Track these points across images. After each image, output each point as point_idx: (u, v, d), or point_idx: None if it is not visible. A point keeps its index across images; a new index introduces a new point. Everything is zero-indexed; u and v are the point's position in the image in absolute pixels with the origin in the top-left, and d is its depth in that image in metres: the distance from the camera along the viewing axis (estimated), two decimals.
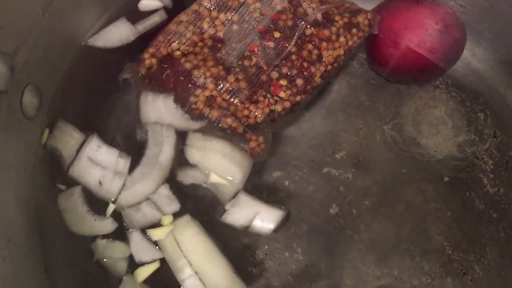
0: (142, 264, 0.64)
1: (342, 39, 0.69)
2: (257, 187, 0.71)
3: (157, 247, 0.64)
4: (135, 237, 0.64)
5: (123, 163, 0.66)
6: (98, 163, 0.66)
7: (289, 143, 0.75)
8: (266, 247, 0.69)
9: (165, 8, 0.76)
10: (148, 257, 0.63)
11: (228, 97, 0.65)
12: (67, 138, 0.67)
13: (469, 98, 0.78)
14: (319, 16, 0.68)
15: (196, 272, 0.61)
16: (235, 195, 0.67)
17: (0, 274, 0.49)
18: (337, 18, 0.69)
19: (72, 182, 0.66)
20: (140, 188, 0.65)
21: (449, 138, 0.76)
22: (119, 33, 0.72)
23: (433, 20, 0.71)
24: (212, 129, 0.65)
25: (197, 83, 0.65)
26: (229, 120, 0.64)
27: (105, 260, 0.64)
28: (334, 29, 0.68)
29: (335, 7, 0.69)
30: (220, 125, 0.64)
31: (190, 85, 0.65)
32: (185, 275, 0.62)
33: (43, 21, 0.61)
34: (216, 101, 0.65)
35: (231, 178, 0.66)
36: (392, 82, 0.78)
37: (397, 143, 0.75)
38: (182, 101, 0.65)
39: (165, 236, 0.63)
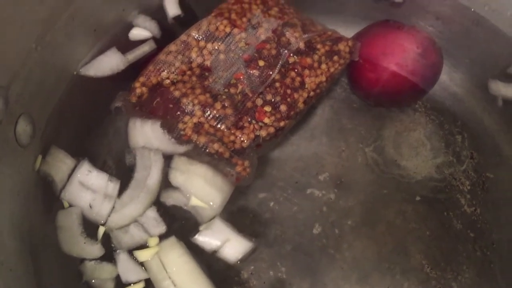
0: (129, 284, 0.66)
1: (324, 66, 0.72)
2: (243, 208, 0.74)
3: (143, 268, 0.66)
4: (122, 258, 0.66)
5: (113, 186, 0.68)
6: (88, 187, 0.68)
7: (274, 165, 0.77)
8: (252, 267, 0.71)
9: (154, 38, 0.79)
10: (134, 277, 0.65)
11: (215, 123, 0.67)
12: (59, 163, 0.69)
13: (447, 121, 0.81)
14: (301, 45, 0.71)
15: None
16: (211, 219, 0.70)
17: None
18: (319, 46, 0.72)
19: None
20: (128, 211, 0.67)
21: (428, 160, 0.78)
22: (109, 62, 0.74)
23: (412, 44, 0.74)
24: (199, 154, 0.67)
25: (186, 110, 0.67)
26: (215, 146, 0.66)
27: (93, 281, 0.66)
28: (316, 57, 0.71)
29: (318, 35, 0.72)
30: (207, 150, 0.66)
31: (179, 112, 0.67)
32: None
33: (36, 54, 0.64)
34: (203, 128, 0.67)
35: (211, 203, 0.68)
36: (373, 105, 0.81)
37: (378, 165, 0.78)
38: (171, 128, 0.68)
39: (151, 258, 0.65)
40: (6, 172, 0.60)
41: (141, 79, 0.70)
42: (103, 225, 0.67)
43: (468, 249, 0.73)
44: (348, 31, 0.78)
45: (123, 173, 0.71)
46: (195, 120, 0.67)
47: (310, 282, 0.71)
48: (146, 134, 0.69)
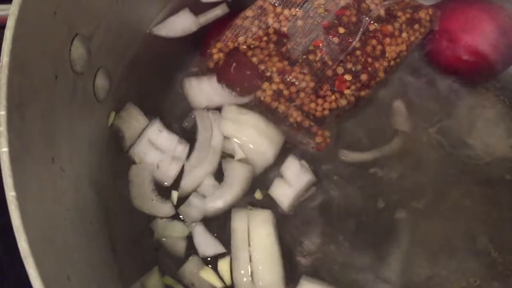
0: (206, 257, 0.64)
1: (404, 34, 0.69)
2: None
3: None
4: (198, 231, 0.64)
5: (182, 149, 0.67)
6: (157, 146, 0.67)
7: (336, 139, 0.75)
8: (314, 239, 0.69)
9: (226, 1, 0.77)
10: (211, 251, 0.64)
11: (295, 90, 0.65)
12: (132, 120, 0.68)
13: None
14: (382, 12, 0.68)
15: (251, 272, 0.61)
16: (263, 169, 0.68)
17: (77, 247, 0.50)
18: (399, 13, 0.69)
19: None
20: (199, 172, 0.66)
21: (500, 140, 0.75)
22: (182, 23, 0.72)
23: (490, 22, 0.71)
24: (277, 122, 0.66)
25: (264, 77, 0.66)
26: (295, 114, 0.65)
27: (164, 239, 0.65)
28: (397, 24, 0.68)
29: (396, 3, 0.70)
30: (287, 119, 0.65)
31: (256, 79, 0.66)
32: (240, 267, 0.62)
33: (115, 7, 0.63)
34: (283, 95, 0.66)
35: (263, 153, 0.67)
36: (444, 82, 0.78)
37: (445, 144, 0.75)
38: (248, 95, 0.66)
39: (240, 221, 0.63)
40: (85, 125, 0.59)
41: (218, 44, 0.69)
42: (168, 186, 0.66)
43: None
44: (424, 2, 0.74)
45: (186, 136, 0.69)
46: (274, 87, 0.66)
47: (374, 259, 0.68)
48: (206, 92, 0.68)
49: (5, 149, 0.39)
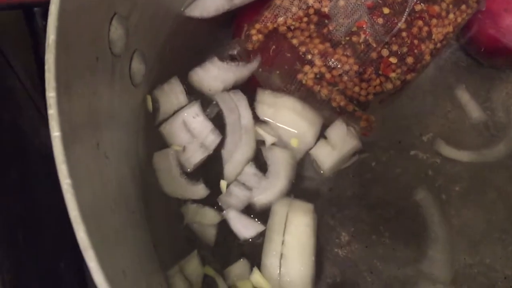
0: (247, 239, 0.62)
1: (451, 15, 0.66)
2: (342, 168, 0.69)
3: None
4: (233, 215, 0.62)
5: (213, 139, 0.64)
6: (190, 129, 0.64)
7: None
8: (353, 229, 0.66)
9: None
10: (252, 232, 0.61)
11: (338, 74, 0.62)
12: (173, 96, 0.65)
13: None
14: None
15: (282, 255, 0.59)
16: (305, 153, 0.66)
17: (125, 239, 0.48)
18: None
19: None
20: (239, 156, 0.63)
21: None
22: (214, 2, 0.69)
23: None
24: (320, 108, 0.63)
25: (305, 60, 0.63)
26: (338, 98, 0.62)
27: (195, 225, 0.63)
28: (444, 5, 0.65)
29: None
30: (330, 103, 0.62)
31: (297, 62, 0.63)
32: (271, 250, 0.60)
33: None
34: (325, 78, 0.63)
35: (302, 136, 0.65)
36: (484, 65, 0.75)
37: (487, 128, 0.73)
38: (290, 78, 0.63)
39: (281, 207, 0.61)
40: (123, 110, 0.56)
41: (257, 25, 0.65)
42: (188, 172, 0.64)
43: None
44: None
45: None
46: (315, 70, 0.63)
47: (415, 249, 0.66)
48: (216, 75, 0.66)
49: (57, 134, 0.36)
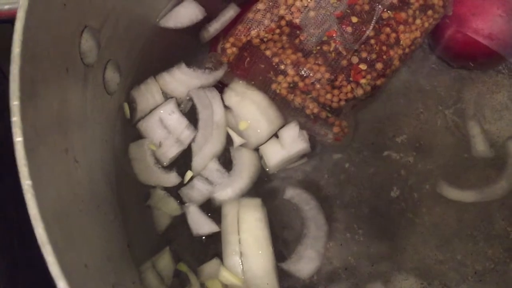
0: (199, 237, 0.64)
1: (418, 21, 0.67)
2: (317, 168, 0.70)
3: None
4: (192, 210, 0.64)
5: (188, 134, 0.66)
6: (166, 126, 0.67)
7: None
8: (327, 228, 0.69)
9: None
10: (206, 229, 0.63)
11: (310, 82, 0.64)
12: (149, 95, 0.68)
13: None
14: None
15: (241, 253, 0.61)
16: (254, 147, 0.68)
17: (93, 236, 0.51)
18: (412, 0, 0.67)
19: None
20: (208, 150, 0.66)
21: (509, 124, 0.74)
22: (188, 13, 0.71)
23: (500, 7, 0.69)
24: (294, 115, 0.65)
25: (278, 70, 0.65)
26: (311, 106, 0.64)
27: (154, 209, 0.65)
28: (410, 11, 0.66)
29: None
30: (304, 111, 0.64)
31: (271, 72, 0.65)
32: (230, 250, 0.61)
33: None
34: (298, 87, 0.64)
35: (258, 130, 0.66)
36: (454, 67, 0.76)
37: (459, 128, 0.74)
38: (264, 88, 0.65)
39: (231, 207, 0.63)
40: (97, 119, 0.58)
41: (231, 39, 0.67)
42: (165, 166, 0.67)
43: None
44: None
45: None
46: (289, 79, 0.64)
47: (388, 246, 0.67)
48: (181, 80, 0.68)
49: (20, 139, 0.38)
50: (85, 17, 0.53)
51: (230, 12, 0.73)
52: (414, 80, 0.77)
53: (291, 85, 0.65)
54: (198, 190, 0.65)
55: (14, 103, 0.39)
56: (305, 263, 0.64)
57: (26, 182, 0.37)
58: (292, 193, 0.67)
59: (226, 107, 0.68)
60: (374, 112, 0.74)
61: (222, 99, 0.68)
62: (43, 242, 0.36)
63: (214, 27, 0.72)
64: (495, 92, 0.76)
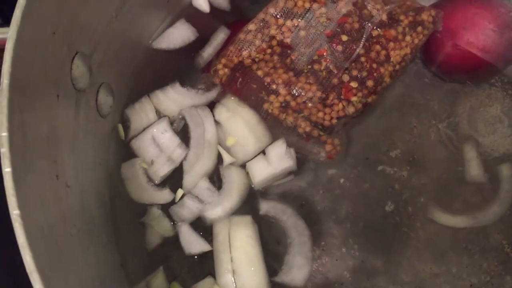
0: (192, 256, 0.64)
1: (408, 38, 0.68)
2: (313, 184, 0.71)
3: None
4: (184, 230, 0.64)
5: (179, 153, 0.67)
6: (158, 144, 0.67)
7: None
8: (323, 243, 0.68)
9: (224, 11, 0.77)
10: (197, 249, 0.64)
11: (302, 101, 0.65)
12: (143, 113, 0.69)
13: None
14: (384, 17, 0.66)
15: (233, 270, 0.61)
16: (240, 164, 0.68)
17: (85, 261, 0.51)
18: (401, 17, 0.67)
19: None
20: (199, 169, 0.66)
21: (506, 137, 0.73)
22: (180, 34, 0.72)
23: (490, 20, 0.69)
24: (287, 134, 0.66)
25: (270, 90, 0.65)
26: (303, 124, 0.64)
27: (148, 227, 0.66)
28: (400, 28, 0.67)
29: (398, 6, 0.68)
30: (296, 130, 0.65)
31: (263, 92, 0.66)
32: (223, 269, 0.62)
33: (115, 24, 0.62)
34: (290, 106, 0.65)
35: (245, 148, 0.67)
36: (447, 80, 0.76)
37: (452, 141, 0.74)
38: (256, 108, 0.66)
39: (222, 226, 0.63)
40: (89, 140, 0.59)
41: (223, 60, 0.68)
42: (157, 184, 0.67)
43: None
44: (423, 3, 0.73)
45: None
46: (281, 99, 0.65)
47: (384, 261, 0.67)
48: (174, 99, 0.69)
49: (8, 170, 0.39)
50: (75, 43, 0.54)
51: (221, 35, 0.74)
52: (407, 94, 0.77)
53: (283, 104, 0.65)
54: (188, 208, 0.65)
55: (3, 134, 0.40)
56: (296, 271, 0.64)
57: (14, 212, 0.38)
58: (267, 207, 0.67)
59: (216, 122, 0.68)
60: (368, 127, 0.75)
61: (213, 113, 0.69)
62: (31, 270, 0.37)
63: (208, 52, 0.73)
64: (488, 106, 0.76)
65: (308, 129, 0.65)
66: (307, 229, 0.66)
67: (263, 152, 0.67)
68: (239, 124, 0.67)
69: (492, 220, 0.69)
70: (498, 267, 0.67)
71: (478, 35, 0.70)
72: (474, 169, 0.71)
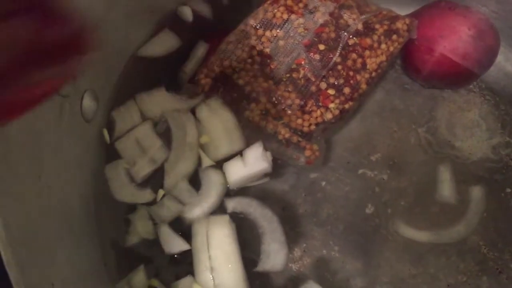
0: (172, 255, 0.65)
1: (383, 46, 0.69)
2: (295, 187, 0.72)
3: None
4: (163, 230, 0.66)
5: (160, 155, 0.68)
6: (141, 146, 0.69)
7: (325, 145, 0.76)
8: (304, 245, 0.69)
9: (206, 19, 0.78)
10: (176, 249, 0.65)
11: (281, 108, 0.66)
12: (128, 116, 0.70)
13: (503, 101, 0.77)
14: (360, 26, 0.68)
15: (212, 268, 0.62)
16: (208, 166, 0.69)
17: (68, 258, 0.53)
18: (377, 26, 0.69)
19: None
20: (179, 170, 0.67)
21: (483, 140, 0.75)
22: (164, 43, 0.74)
23: (467, 27, 0.70)
24: (267, 140, 0.68)
25: (251, 98, 0.67)
26: (283, 131, 0.66)
27: (131, 225, 0.67)
28: (375, 37, 0.69)
29: (374, 16, 0.69)
30: (276, 136, 0.67)
31: (244, 101, 0.68)
32: (202, 267, 0.63)
33: (100, 32, 0.63)
34: (270, 114, 0.67)
35: (216, 148, 0.68)
36: (426, 87, 0.78)
37: (431, 146, 0.75)
38: (237, 116, 0.68)
39: (200, 226, 0.64)
40: (73, 144, 0.60)
41: (205, 70, 0.70)
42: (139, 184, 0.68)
43: None
44: (401, 12, 0.75)
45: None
46: (261, 107, 0.67)
47: (363, 262, 0.69)
48: (158, 102, 0.71)
49: None
50: None
51: (200, 50, 0.75)
52: (388, 100, 0.78)
53: (263, 112, 0.67)
54: (167, 208, 0.66)
55: None
56: (274, 257, 0.66)
57: None
58: (233, 205, 0.68)
59: (196, 118, 0.70)
60: (349, 132, 0.76)
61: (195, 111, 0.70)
62: (8, 262, 0.39)
63: (189, 67, 0.74)
64: (466, 110, 0.77)
65: (287, 135, 0.67)
66: (274, 215, 0.67)
67: (240, 153, 0.69)
68: (217, 125, 0.68)
69: (455, 239, 0.70)
70: (475, 268, 0.69)
71: (456, 42, 0.71)
72: (445, 191, 0.72)
